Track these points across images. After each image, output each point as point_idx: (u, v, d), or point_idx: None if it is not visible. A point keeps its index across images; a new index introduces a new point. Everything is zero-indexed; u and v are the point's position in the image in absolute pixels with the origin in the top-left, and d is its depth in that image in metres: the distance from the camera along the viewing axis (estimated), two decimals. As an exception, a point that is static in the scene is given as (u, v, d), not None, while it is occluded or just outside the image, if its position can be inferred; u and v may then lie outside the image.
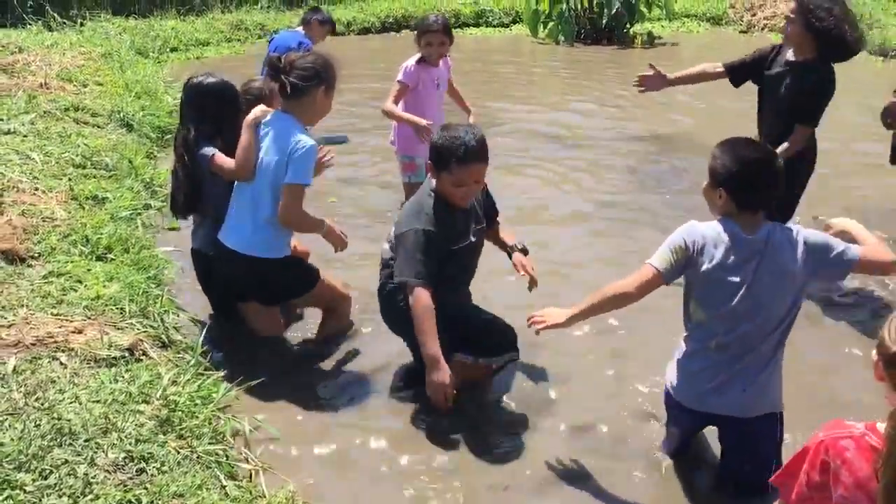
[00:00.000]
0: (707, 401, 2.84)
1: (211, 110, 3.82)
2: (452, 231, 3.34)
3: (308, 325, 4.10)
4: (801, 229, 2.79)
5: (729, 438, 2.96)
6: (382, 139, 5.72)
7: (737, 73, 4.57)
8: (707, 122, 7.67)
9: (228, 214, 3.73)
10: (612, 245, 5.05)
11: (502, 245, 3.71)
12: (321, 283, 3.84)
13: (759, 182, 2.74)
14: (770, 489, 2.41)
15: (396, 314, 3.44)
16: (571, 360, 3.80)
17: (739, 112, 8.07)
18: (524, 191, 5.90)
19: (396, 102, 5.04)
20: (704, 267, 2.74)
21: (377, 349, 3.83)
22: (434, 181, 3.35)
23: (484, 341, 3.47)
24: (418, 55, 5.13)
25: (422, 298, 3.18)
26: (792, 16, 4.22)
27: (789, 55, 4.30)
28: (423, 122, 4.83)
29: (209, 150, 3.76)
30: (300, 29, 6.68)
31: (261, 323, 3.92)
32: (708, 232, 2.77)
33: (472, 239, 3.43)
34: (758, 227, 2.75)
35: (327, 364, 3.80)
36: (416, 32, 5.22)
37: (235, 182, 3.72)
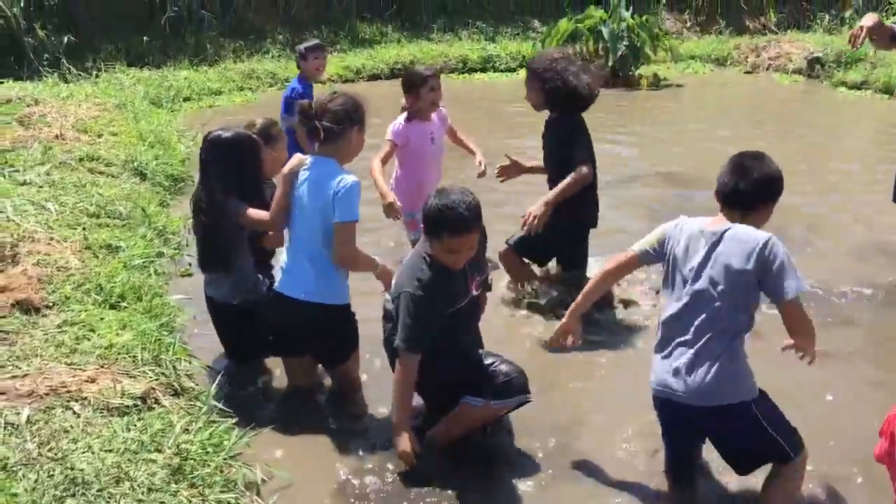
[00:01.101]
0: (668, 383, 3.00)
1: (233, 164, 3.88)
2: (448, 293, 3.31)
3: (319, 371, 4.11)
4: (774, 243, 2.87)
5: (713, 437, 3.09)
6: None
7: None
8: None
9: (287, 266, 3.75)
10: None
11: None
12: (356, 354, 3.87)
13: (723, 179, 3.03)
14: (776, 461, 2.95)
15: None
16: (587, 398, 3.80)
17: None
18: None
19: (384, 162, 4.96)
20: (671, 253, 3.04)
21: (389, 396, 3.82)
22: (430, 246, 3.29)
23: (493, 384, 3.43)
24: (404, 114, 5.03)
25: (404, 368, 3.24)
26: (526, 82, 4.63)
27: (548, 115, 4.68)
28: (390, 197, 4.78)
29: (239, 205, 3.82)
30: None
31: (302, 376, 3.94)
32: (686, 225, 3.05)
33: (474, 293, 3.43)
34: (724, 224, 2.96)
35: (339, 410, 3.80)
36: (408, 86, 5.00)
37: (288, 234, 3.76)
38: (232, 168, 3.88)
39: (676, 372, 2.96)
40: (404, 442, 3.22)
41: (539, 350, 4.34)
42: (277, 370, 4.14)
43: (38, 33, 10.92)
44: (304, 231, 3.67)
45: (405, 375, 3.24)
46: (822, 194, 6.65)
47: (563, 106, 4.54)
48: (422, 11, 14.40)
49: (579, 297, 3.30)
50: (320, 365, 3.98)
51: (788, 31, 14.34)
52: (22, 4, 10.89)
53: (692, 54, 13.51)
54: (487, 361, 3.47)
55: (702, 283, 2.94)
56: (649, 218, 6.31)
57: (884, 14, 13.40)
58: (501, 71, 12.89)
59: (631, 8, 12.36)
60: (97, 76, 10.42)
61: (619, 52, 11.80)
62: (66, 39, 11.12)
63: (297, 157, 3.77)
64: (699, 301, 2.94)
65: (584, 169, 4.44)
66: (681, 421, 3.09)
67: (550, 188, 4.57)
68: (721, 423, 3.00)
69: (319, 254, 3.63)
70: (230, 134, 3.93)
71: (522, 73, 12.67)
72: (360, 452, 3.48)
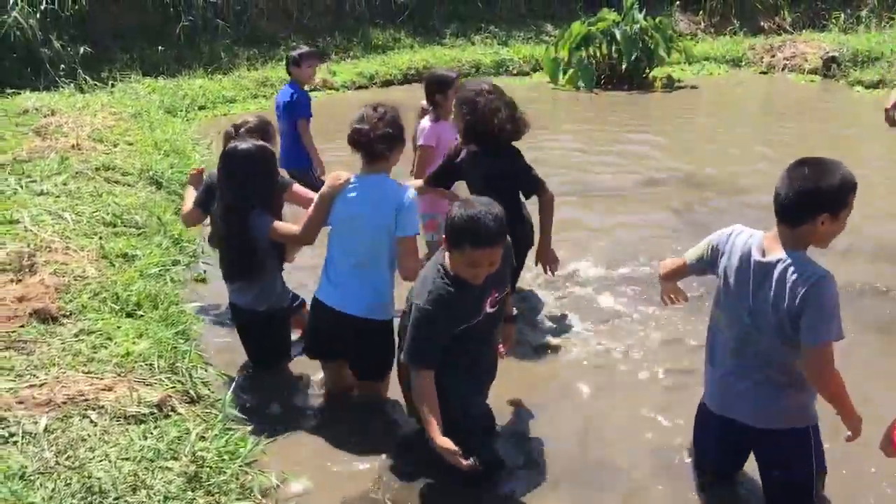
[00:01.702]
0: (724, 404, 2.97)
1: (251, 175, 3.86)
2: (461, 309, 3.12)
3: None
4: (821, 284, 2.66)
5: (758, 454, 3.04)
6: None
7: (440, 179, 4.57)
8: (737, 164, 7.68)
9: (335, 279, 3.68)
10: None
11: None
12: (389, 376, 3.82)
13: (776, 189, 2.77)
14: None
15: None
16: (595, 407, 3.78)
17: (765, 154, 8.12)
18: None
19: (426, 171, 4.74)
20: (721, 268, 2.92)
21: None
22: (446, 255, 3.13)
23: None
24: (427, 117, 5.00)
25: (419, 384, 3.08)
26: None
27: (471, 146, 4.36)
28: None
29: (268, 219, 3.81)
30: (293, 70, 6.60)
31: (339, 381, 3.92)
32: (738, 239, 2.88)
33: (489, 310, 3.21)
34: (772, 250, 2.76)
35: (357, 416, 3.80)
36: (433, 88, 4.98)
37: (333, 244, 3.70)
38: (251, 180, 3.86)
39: (739, 394, 2.91)
40: (445, 441, 2.98)
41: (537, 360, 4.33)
42: (294, 377, 4.15)
43: (55, 44, 11.03)
44: (358, 246, 3.61)
45: (422, 391, 3.08)
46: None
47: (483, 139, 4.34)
48: (434, 17, 14.44)
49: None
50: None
51: (804, 30, 14.28)
52: (38, 16, 11.01)
53: (706, 55, 13.46)
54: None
55: (753, 314, 2.81)
56: (678, 219, 6.29)
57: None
58: (514, 75, 12.88)
59: (644, 10, 12.32)
60: (113, 86, 10.52)
61: (634, 55, 11.77)
62: (81, 50, 11.22)
63: (338, 175, 3.67)
64: (753, 330, 2.83)
65: (549, 192, 4.39)
66: (735, 439, 3.03)
67: None
68: (775, 446, 2.93)
69: (375, 269, 3.61)
70: (247, 146, 3.92)
71: (536, 76, 12.83)
72: (377, 459, 3.47)
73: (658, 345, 4.42)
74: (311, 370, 4.19)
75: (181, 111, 9.85)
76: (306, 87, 6.42)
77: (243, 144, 3.92)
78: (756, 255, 2.79)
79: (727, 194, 6.89)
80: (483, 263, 3.02)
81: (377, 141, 3.52)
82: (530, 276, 5.10)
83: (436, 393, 3.07)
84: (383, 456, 3.49)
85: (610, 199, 6.88)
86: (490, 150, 4.30)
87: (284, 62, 6.47)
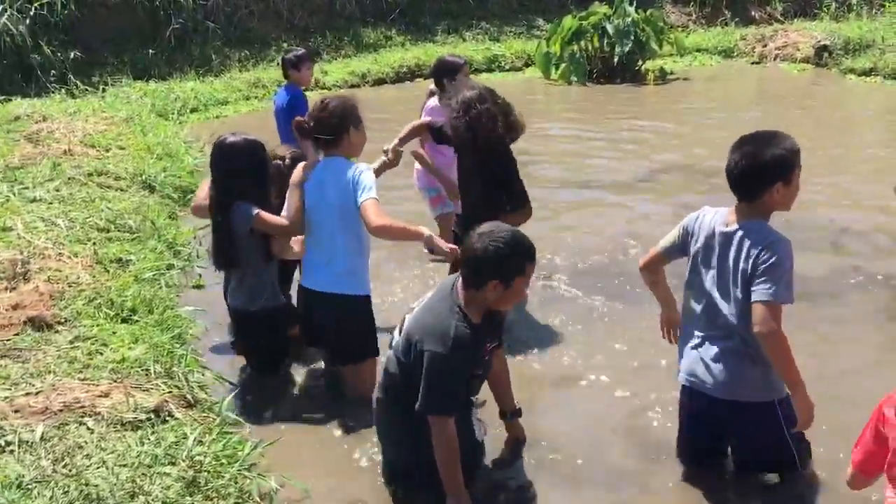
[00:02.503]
0: (697, 374, 3.01)
1: (238, 168, 3.89)
2: (477, 354, 3.02)
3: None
4: (776, 245, 2.79)
5: (729, 431, 3.09)
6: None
7: (439, 132, 4.58)
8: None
9: (307, 262, 3.88)
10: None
11: (502, 399, 3.45)
12: (373, 362, 3.85)
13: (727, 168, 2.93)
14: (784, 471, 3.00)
15: (389, 428, 3.24)
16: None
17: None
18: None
19: (422, 142, 4.97)
20: (691, 248, 3.03)
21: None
22: (460, 294, 2.99)
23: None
24: (434, 97, 5.07)
25: (445, 435, 2.92)
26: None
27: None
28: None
29: (252, 210, 3.83)
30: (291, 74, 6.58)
31: (352, 384, 3.91)
32: (705, 220, 3.01)
33: (486, 359, 3.12)
34: (733, 222, 2.90)
35: (356, 419, 3.78)
36: (447, 71, 5.04)
37: (310, 231, 3.82)
38: (238, 172, 3.89)
39: (706, 365, 2.98)
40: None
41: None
42: (293, 379, 4.14)
43: (45, 50, 10.99)
44: (326, 225, 3.76)
45: (450, 442, 2.92)
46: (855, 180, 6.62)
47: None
48: (425, 14, 14.41)
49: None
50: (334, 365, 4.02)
51: (795, 19, 14.28)
52: (28, 22, 10.97)
53: (698, 47, 13.46)
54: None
55: (720, 285, 2.92)
56: (675, 209, 6.29)
57: (889, 0, 13.33)
58: (507, 70, 12.86)
59: (635, 2, 12.31)
60: (104, 90, 10.48)
61: (626, 48, 11.76)
62: (72, 55, 11.19)
63: (301, 166, 3.86)
64: (721, 301, 2.92)
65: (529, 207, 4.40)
66: (704, 412, 3.08)
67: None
68: (742, 419, 2.98)
69: (342, 245, 3.73)
70: (237, 139, 3.95)
71: (529, 71, 12.82)
72: (378, 461, 3.45)
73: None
74: (309, 372, 4.19)
75: (173, 114, 9.81)
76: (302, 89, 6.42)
77: (231, 137, 3.96)
78: (720, 228, 2.93)
79: (723, 185, 6.87)
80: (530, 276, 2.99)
81: (322, 136, 3.73)
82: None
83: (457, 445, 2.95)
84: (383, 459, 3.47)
85: (606, 191, 6.87)
86: (486, 158, 4.24)
87: (281, 65, 6.46)
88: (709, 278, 2.97)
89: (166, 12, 12.28)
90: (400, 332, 3.11)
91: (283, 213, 3.86)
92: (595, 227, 6.05)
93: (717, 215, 2.98)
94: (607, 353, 4.27)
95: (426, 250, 3.95)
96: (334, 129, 3.73)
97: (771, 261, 2.76)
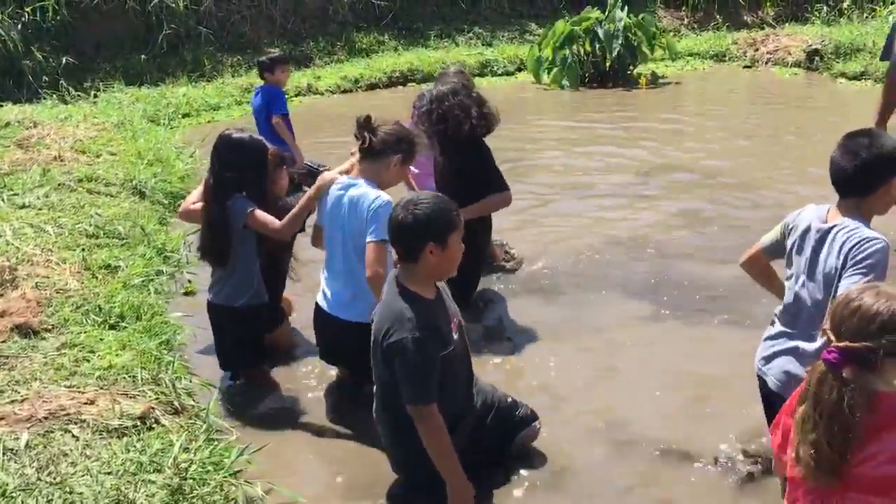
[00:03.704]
0: (761, 366, 3.03)
1: (239, 163, 3.89)
2: (440, 329, 2.98)
3: (323, 383, 4.10)
4: (869, 242, 2.69)
5: None
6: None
7: None
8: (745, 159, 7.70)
9: (326, 283, 3.80)
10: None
11: None
12: None
13: (830, 165, 2.86)
14: None
15: (390, 437, 3.21)
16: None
17: (752, 147, 8.15)
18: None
19: None
20: (789, 242, 2.97)
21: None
22: (406, 279, 2.99)
23: (499, 428, 3.33)
24: None
25: (433, 427, 2.90)
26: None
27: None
28: None
29: (247, 205, 3.82)
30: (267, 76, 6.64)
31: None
32: (803, 215, 2.94)
33: (455, 337, 3.08)
34: (832, 219, 2.83)
35: (345, 424, 3.78)
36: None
37: (326, 250, 3.79)
38: (239, 166, 3.88)
39: (771, 357, 2.99)
40: (469, 491, 2.98)
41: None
42: (280, 385, 4.13)
43: (37, 56, 10.98)
44: (339, 249, 3.71)
45: (435, 432, 2.89)
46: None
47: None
48: (418, 19, 14.42)
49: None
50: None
51: (786, 24, 14.30)
52: (20, 28, 10.95)
53: (690, 51, 13.45)
54: (485, 411, 3.33)
55: (808, 282, 2.88)
56: (670, 213, 6.30)
57: (880, 4, 13.37)
58: (499, 75, 12.87)
59: (627, 7, 12.32)
60: (96, 96, 10.47)
61: (616, 52, 11.78)
62: (64, 61, 11.17)
63: (328, 175, 3.80)
64: (806, 299, 2.89)
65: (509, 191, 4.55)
66: (770, 407, 3.07)
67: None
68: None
69: (355, 272, 3.65)
70: (240, 135, 3.94)
71: (521, 76, 12.83)
72: (366, 467, 3.45)
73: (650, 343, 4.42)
74: (297, 378, 4.19)
75: (165, 120, 9.80)
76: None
77: (236, 133, 3.95)
78: (817, 224, 2.86)
79: (719, 187, 6.91)
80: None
81: (374, 137, 3.62)
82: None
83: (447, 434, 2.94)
84: (372, 465, 3.46)
85: (599, 194, 6.87)
86: (461, 149, 4.34)
87: (257, 68, 6.53)
88: (797, 275, 2.92)
89: (159, 18, 12.26)
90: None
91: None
92: (588, 230, 6.05)
93: (818, 210, 2.91)
94: (590, 355, 4.28)
95: None
96: (384, 145, 3.66)
97: (864, 255, 2.67)
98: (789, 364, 2.92)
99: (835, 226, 2.79)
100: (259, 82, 6.99)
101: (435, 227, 2.90)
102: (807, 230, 2.89)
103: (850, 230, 2.75)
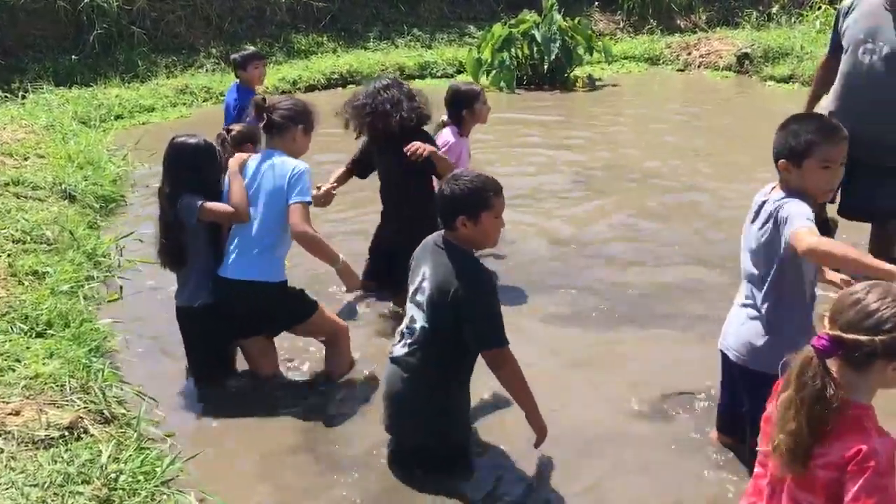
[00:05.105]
0: (723, 337, 3.19)
1: (190, 167, 3.97)
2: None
3: (268, 391, 4.06)
4: (786, 201, 2.85)
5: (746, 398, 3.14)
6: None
7: (359, 165, 4.90)
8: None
9: (227, 252, 3.92)
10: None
11: None
12: (321, 312, 4.03)
13: None
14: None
15: (416, 396, 3.26)
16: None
17: (684, 147, 8.34)
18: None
19: None
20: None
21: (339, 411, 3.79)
22: (448, 236, 3.22)
23: None
24: (447, 129, 5.08)
25: (515, 360, 3.15)
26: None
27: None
28: None
29: (196, 200, 3.87)
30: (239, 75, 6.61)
31: (262, 363, 4.11)
32: (758, 193, 3.09)
33: None
34: (770, 194, 2.99)
35: (281, 431, 3.74)
36: (465, 102, 5.09)
37: (233, 224, 3.93)
38: (187, 170, 3.97)
39: (732, 327, 3.15)
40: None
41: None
42: (216, 390, 4.07)
43: (-39, 55, 10.62)
44: (258, 214, 3.86)
45: (521, 375, 3.16)
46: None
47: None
48: (357, 21, 14.36)
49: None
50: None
51: (718, 28, 14.65)
52: (-58, 26, 10.58)
53: (626, 54, 13.69)
54: None
55: (743, 253, 3.07)
56: (608, 214, 6.39)
57: (808, 9, 13.80)
58: (439, 77, 12.88)
59: (563, 10, 12.47)
60: (24, 97, 10.14)
61: (553, 55, 11.92)
62: (-10, 61, 10.83)
63: (240, 155, 4.05)
64: (743, 269, 3.08)
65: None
66: (725, 374, 3.25)
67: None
68: (749, 388, 3.06)
69: (267, 238, 3.85)
70: (194, 140, 4.04)
71: (461, 78, 12.86)
72: (302, 475, 3.42)
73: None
74: (236, 381, 4.13)
75: (96, 122, 9.56)
76: (257, 88, 6.50)
77: (190, 139, 4.03)
78: (758, 199, 3.04)
79: (655, 187, 7.05)
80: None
81: (273, 117, 3.93)
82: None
83: None
84: (309, 471, 3.44)
85: (537, 197, 6.93)
86: (400, 143, 4.41)
87: (231, 66, 6.66)
88: (744, 245, 3.08)
89: (90, 17, 11.96)
90: (419, 302, 3.22)
91: (229, 200, 3.92)
92: (524, 232, 6.10)
93: (765, 188, 3.06)
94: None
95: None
96: (286, 118, 3.94)
97: (785, 212, 2.82)
98: (747, 336, 3.05)
99: (767, 200, 2.96)
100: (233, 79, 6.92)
101: (470, 202, 3.14)
102: (752, 206, 3.07)
103: (777, 196, 2.91)
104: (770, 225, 2.91)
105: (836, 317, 2.03)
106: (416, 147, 4.35)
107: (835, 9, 4.83)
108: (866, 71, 4.59)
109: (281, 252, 3.95)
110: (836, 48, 4.85)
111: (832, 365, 2.02)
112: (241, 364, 4.21)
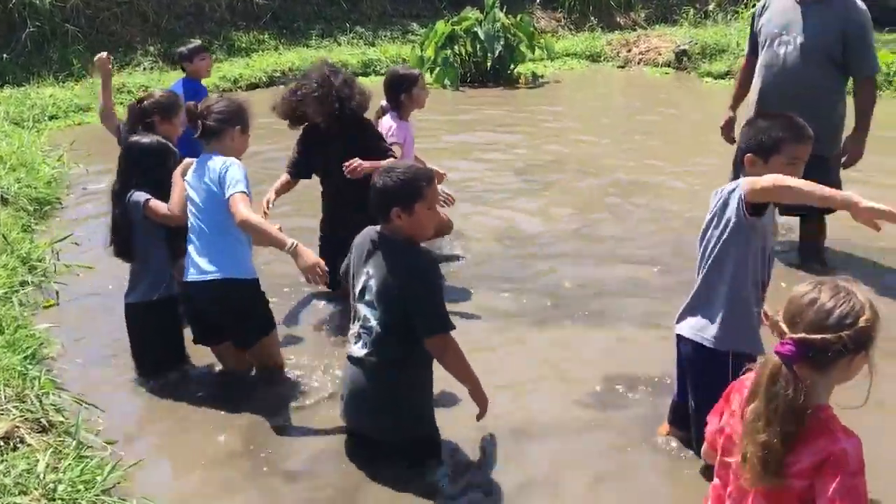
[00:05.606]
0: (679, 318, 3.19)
1: (143, 166, 4.06)
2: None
3: (214, 394, 3.99)
4: (736, 186, 2.92)
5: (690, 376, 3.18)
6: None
7: (299, 167, 4.85)
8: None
9: (187, 256, 3.89)
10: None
11: None
12: (275, 333, 4.02)
13: None
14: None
15: (378, 391, 3.25)
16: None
17: (618, 139, 8.46)
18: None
19: None
20: None
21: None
22: (383, 230, 3.23)
23: None
24: (388, 115, 5.05)
25: (456, 345, 3.19)
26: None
27: None
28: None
29: (141, 196, 3.98)
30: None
31: (232, 360, 4.09)
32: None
33: None
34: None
35: (228, 435, 3.67)
36: (402, 85, 5.05)
37: (189, 228, 3.88)
38: (138, 170, 4.06)
39: (682, 307, 3.18)
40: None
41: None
42: (161, 394, 3.99)
43: None
44: (200, 217, 3.84)
45: (460, 354, 3.20)
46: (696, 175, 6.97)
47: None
48: (299, 18, 14.24)
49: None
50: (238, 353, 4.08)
51: (657, 26, 14.91)
52: None
53: (567, 51, 13.85)
54: None
55: (701, 242, 3.09)
56: (552, 206, 6.43)
57: (743, 7, 14.12)
58: (382, 74, 12.77)
59: (505, 8, 12.55)
60: (-48, 98, 9.83)
61: (497, 52, 11.98)
62: (-85, 60, 10.45)
63: (188, 160, 4.02)
64: (703, 251, 3.09)
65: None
66: (680, 366, 3.25)
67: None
68: (695, 368, 3.11)
69: (217, 235, 3.81)
70: (148, 140, 4.12)
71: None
72: (250, 480, 3.36)
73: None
74: (181, 385, 4.05)
75: (29, 122, 9.30)
76: (203, 81, 6.41)
77: (144, 139, 4.13)
78: (713, 199, 3.06)
79: (598, 181, 7.13)
80: None
81: (208, 122, 3.88)
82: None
83: None
84: (256, 475, 3.38)
85: (480, 192, 6.96)
86: (359, 128, 4.52)
87: (177, 59, 6.55)
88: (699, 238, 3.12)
89: (21, 15, 11.65)
90: (368, 301, 3.23)
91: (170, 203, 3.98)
92: (471, 228, 6.11)
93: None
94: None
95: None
96: (221, 121, 3.88)
97: (728, 189, 2.91)
98: (700, 314, 3.09)
99: (721, 189, 3.00)
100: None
101: (403, 194, 3.14)
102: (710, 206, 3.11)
103: (728, 186, 2.96)
104: (718, 208, 2.97)
105: (795, 319, 1.98)
106: (356, 165, 4.39)
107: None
108: (783, 62, 4.88)
109: (242, 250, 3.87)
110: (753, 49, 5.12)
111: (797, 369, 1.96)
112: (198, 359, 4.18)
